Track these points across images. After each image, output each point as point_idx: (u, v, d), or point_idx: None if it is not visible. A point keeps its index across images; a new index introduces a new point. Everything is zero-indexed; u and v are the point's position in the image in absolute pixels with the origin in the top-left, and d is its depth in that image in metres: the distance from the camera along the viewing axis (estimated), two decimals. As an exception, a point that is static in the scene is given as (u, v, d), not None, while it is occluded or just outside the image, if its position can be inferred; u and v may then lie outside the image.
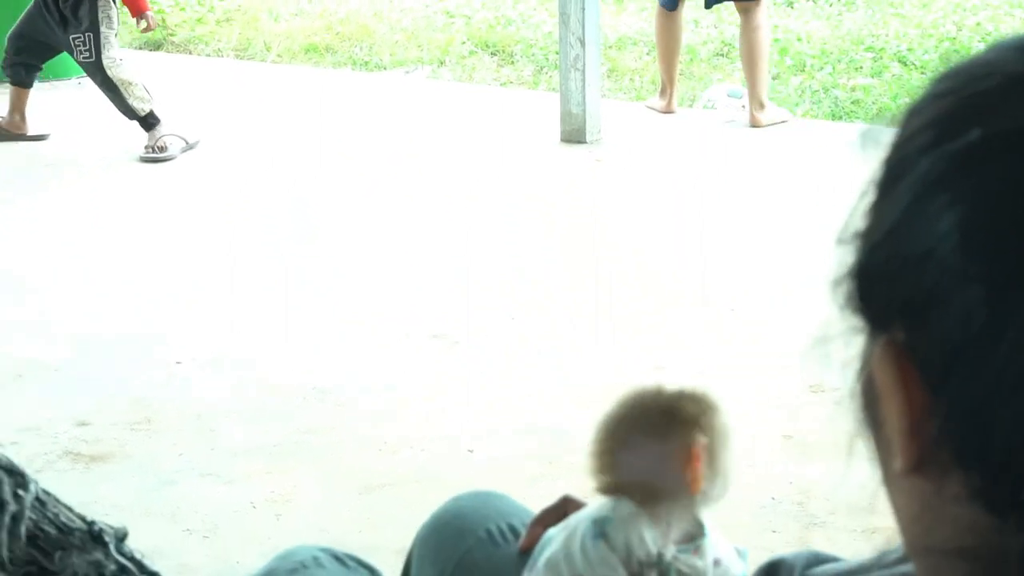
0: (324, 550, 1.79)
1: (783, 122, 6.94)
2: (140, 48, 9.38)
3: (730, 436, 1.59)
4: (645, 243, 5.31)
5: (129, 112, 6.78)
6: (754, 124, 6.86)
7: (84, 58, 6.78)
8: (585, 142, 6.58)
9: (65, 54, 6.98)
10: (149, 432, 3.93)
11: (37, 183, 6.39)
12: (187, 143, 6.78)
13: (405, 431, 3.85)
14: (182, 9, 10.08)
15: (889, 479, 0.74)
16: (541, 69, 8.60)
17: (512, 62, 8.84)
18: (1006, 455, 0.65)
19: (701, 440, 1.56)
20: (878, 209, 0.71)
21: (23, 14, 6.99)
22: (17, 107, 7.11)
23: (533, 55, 8.90)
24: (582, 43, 6.49)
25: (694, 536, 1.61)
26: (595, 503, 1.67)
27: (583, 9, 6.48)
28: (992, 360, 0.64)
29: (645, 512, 1.59)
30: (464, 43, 9.19)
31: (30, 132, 7.13)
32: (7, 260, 5.36)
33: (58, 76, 8.05)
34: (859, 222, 0.73)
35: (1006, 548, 0.67)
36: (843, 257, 0.74)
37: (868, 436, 0.75)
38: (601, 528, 1.61)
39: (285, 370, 4.30)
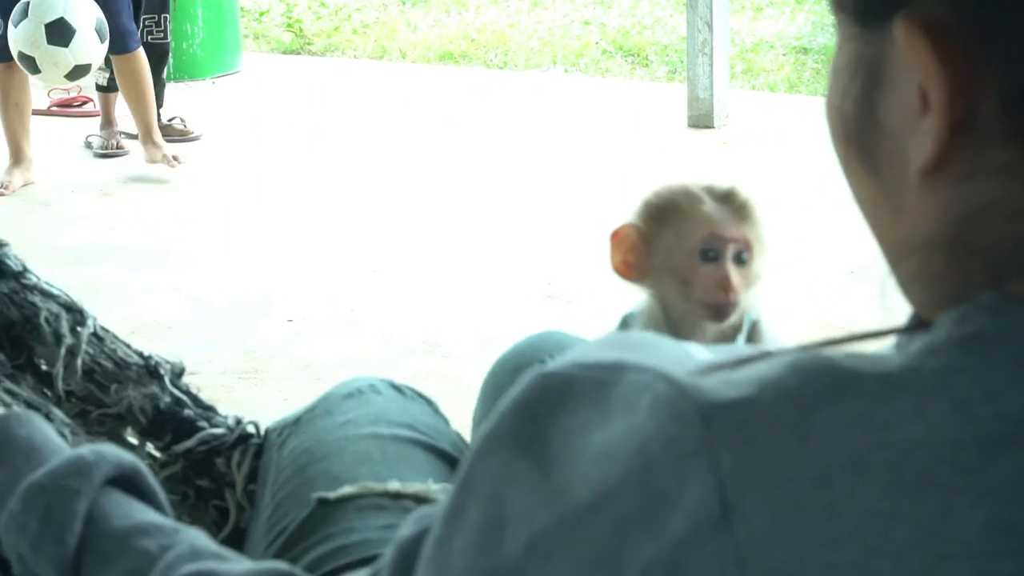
0: (383, 380, 1.73)
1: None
2: (284, 54, 9.51)
3: (768, 241, 1.46)
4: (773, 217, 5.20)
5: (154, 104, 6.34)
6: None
7: (155, 39, 6.44)
8: (712, 127, 6.46)
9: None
10: (256, 380, 3.93)
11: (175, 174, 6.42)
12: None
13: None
14: (319, 18, 10.18)
15: (895, 185, 0.68)
16: (675, 71, 8.51)
17: (647, 64, 8.78)
18: None
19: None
20: None
21: None
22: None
23: (668, 58, 8.82)
24: (710, 27, 6.38)
25: (732, 337, 1.47)
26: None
27: (711, -7, 6.38)
28: None
29: (671, 307, 1.46)
30: (598, 43, 9.15)
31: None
32: (135, 235, 5.41)
33: (192, 76, 8.12)
34: None
35: None
36: None
37: (862, 150, 0.70)
38: (625, 323, 1.54)
39: (394, 325, 4.27)
